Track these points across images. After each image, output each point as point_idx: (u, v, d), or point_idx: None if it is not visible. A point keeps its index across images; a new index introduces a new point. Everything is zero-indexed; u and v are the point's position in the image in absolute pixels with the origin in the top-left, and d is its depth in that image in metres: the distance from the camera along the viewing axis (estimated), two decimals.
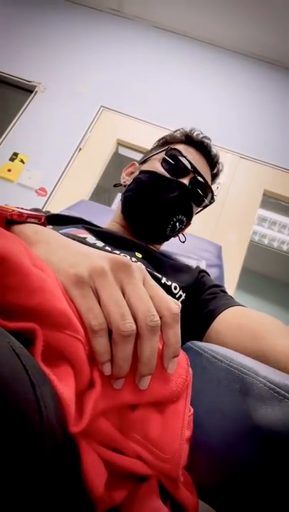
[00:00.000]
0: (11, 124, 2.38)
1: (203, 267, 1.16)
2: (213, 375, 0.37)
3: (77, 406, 0.26)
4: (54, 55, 2.62)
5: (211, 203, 0.82)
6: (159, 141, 0.88)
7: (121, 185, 0.87)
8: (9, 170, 2.21)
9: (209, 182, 0.82)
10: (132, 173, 0.86)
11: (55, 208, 1.97)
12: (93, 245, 0.67)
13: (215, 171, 0.85)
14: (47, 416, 0.22)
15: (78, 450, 0.25)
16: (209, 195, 0.80)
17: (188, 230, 0.88)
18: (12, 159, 2.25)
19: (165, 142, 0.85)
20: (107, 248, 0.67)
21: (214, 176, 0.86)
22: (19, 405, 0.20)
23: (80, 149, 2.34)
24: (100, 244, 0.69)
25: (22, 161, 2.25)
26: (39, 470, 0.21)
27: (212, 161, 0.83)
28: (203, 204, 0.81)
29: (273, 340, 0.48)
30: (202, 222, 2.11)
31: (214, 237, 2.06)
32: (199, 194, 0.78)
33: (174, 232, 0.79)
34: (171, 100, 2.50)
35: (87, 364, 0.28)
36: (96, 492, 0.25)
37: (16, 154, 2.27)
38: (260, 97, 2.56)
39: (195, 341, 0.47)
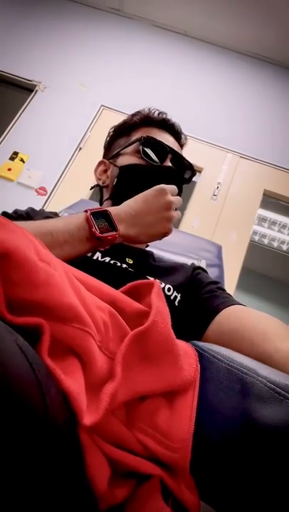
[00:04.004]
0: (11, 123, 2.38)
1: (203, 266, 1.16)
2: (213, 375, 0.37)
3: (94, 398, 0.26)
4: (54, 54, 2.62)
5: (194, 174, 0.83)
6: (120, 130, 0.86)
7: (98, 186, 0.84)
8: (9, 169, 2.21)
9: (182, 154, 0.83)
10: (106, 171, 0.84)
11: (55, 207, 1.97)
12: None
13: (182, 140, 0.87)
14: (52, 413, 0.22)
15: (82, 446, 0.25)
16: (189, 167, 0.81)
17: (188, 230, 0.88)
18: (12, 158, 2.25)
19: (128, 129, 0.84)
20: (96, 257, 0.66)
21: (182, 145, 0.87)
22: (26, 403, 0.20)
23: (80, 149, 2.34)
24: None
25: (22, 160, 2.25)
26: (43, 466, 0.21)
27: (177, 134, 0.85)
28: (188, 177, 0.82)
29: (273, 341, 0.47)
30: (202, 222, 2.11)
31: (214, 237, 2.06)
32: (184, 170, 0.80)
33: None
34: (172, 100, 2.49)
35: (101, 356, 0.28)
36: (99, 489, 0.25)
37: (16, 153, 2.26)
38: (260, 96, 2.56)
39: (195, 341, 0.47)
